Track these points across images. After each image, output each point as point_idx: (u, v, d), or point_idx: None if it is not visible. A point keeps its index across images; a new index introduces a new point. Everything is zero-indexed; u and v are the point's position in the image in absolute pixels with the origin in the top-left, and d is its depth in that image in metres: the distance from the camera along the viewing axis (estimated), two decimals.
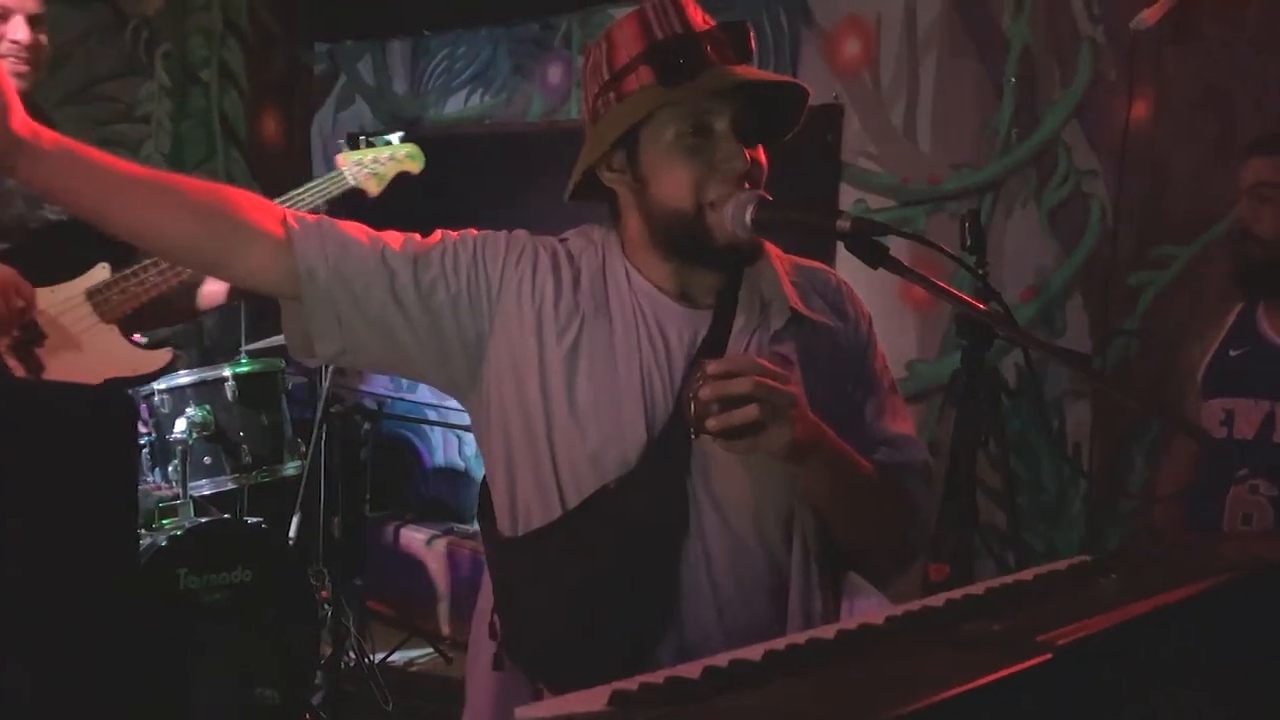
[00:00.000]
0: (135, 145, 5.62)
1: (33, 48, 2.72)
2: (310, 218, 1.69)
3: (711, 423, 1.47)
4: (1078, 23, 3.92)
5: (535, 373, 1.66)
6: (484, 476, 1.79)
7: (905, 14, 4.27)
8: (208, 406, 3.78)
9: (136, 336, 2.95)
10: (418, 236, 1.73)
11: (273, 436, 3.95)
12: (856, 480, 1.67)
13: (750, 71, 1.66)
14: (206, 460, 3.81)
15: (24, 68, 2.71)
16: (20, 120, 1.54)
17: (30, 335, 2.66)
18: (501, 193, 4.31)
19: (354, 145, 3.32)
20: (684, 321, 1.70)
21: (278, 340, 4.48)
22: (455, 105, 5.68)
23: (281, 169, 6.11)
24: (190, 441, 3.68)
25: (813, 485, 1.65)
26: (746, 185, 1.65)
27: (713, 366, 1.48)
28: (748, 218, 1.61)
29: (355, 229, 1.70)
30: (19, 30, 2.69)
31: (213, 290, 3.05)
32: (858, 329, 1.87)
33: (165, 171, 1.71)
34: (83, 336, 2.73)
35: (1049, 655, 0.97)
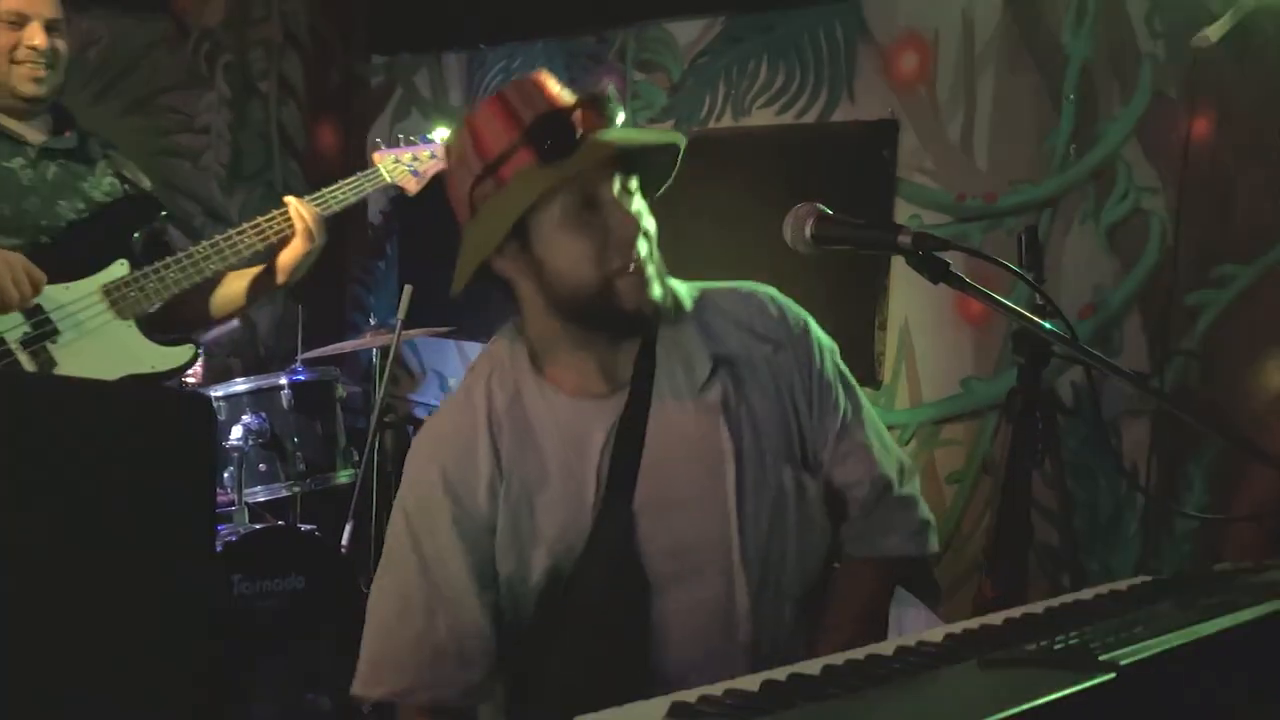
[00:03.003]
0: (195, 156, 5.69)
1: (50, 53, 2.73)
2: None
3: None
4: (1138, 39, 3.88)
5: (492, 527, 1.71)
6: None
7: (963, 28, 4.24)
8: (263, 414, 3.81)
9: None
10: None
11: (327, 444, 3.98)
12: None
13: (627, 135, 1.67)
14: (261, 467, 3.85)
15: (42, 72, 2.73)
16: None
17: (42, 330, 2.67)
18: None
19: (395, 144, 3.32)
20: (608, 413, 1.72)
21: (333, 349, 4.52)
22: None
23: (338, 180, 6.15)
24: (246, 448, 3.71)
25: None
26: (640, 249, 1.65)
27: None
28: (808, 233, 1.61)
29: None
30: (35, 36, 2.71)
31: (228, 295, 3.03)
32: (788, 342, 1.82)
33: None
34: (97, 332, 2.73)
35: (1113, 674, 0.96)
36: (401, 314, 4.02)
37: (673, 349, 1.75)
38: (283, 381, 3.92)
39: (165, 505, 1.10)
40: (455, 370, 5.67)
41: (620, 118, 1.67)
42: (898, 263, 4.06)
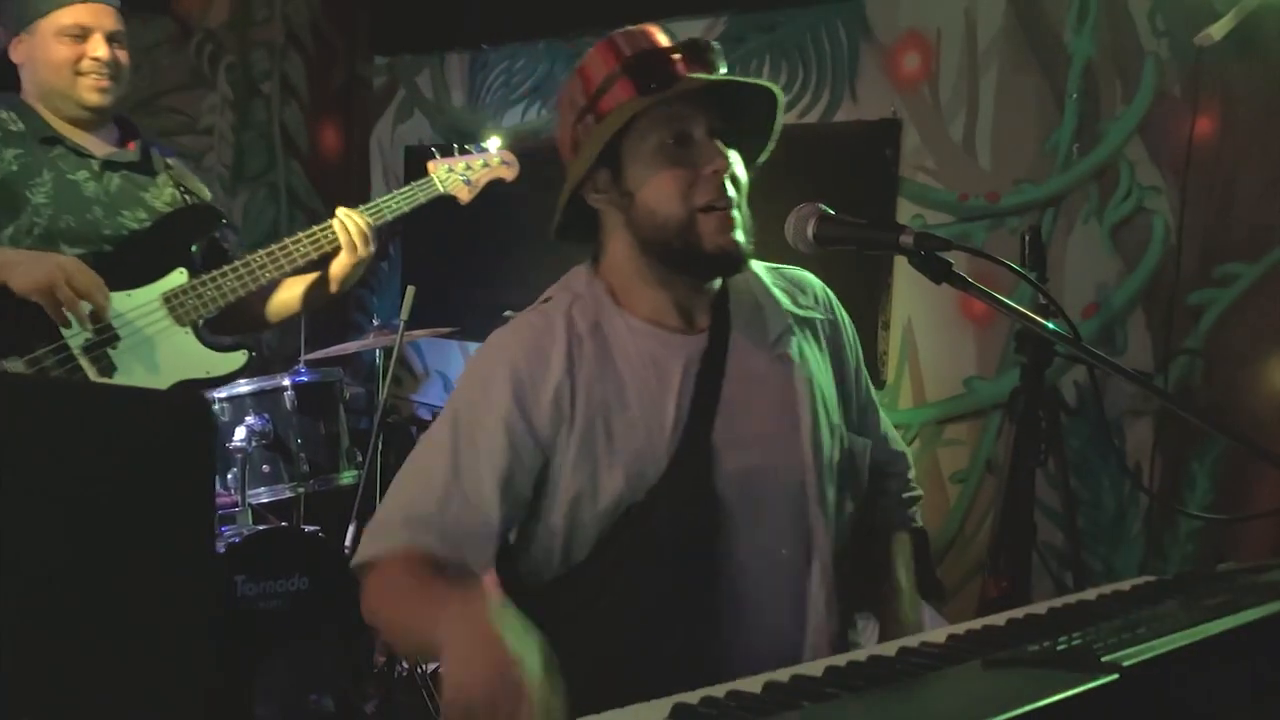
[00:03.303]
0: (198, 157, 5.69)
1: (112, 64, 2.79)
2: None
3: None
4: (1141, 37, 3.87)
5: (566, 446, 1.70)
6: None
7: (966, 28, 4.24)
8: (267, 415, 3.81)
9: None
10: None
11: (330, 445, 3.98)
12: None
13: (723, 75, 1.70)
14: (265, 468, 3.84)
15: (106, 83, 2.79)
16: None
17: (104, 336, 2.72)
18: (556, 207, 4.30)
19: (446, 152, 3.33)
20: (687, 347, 1.75)
21: (336, 350, 4.52)
22: (513, 118, 5.70)
23: (341, 181, 6.16)
24: (249, 449, 3.71)
25: None
26: (728, 189, 1.68)
27: None
28: (810, 232, 1.61)
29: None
30: (98, 48, 2.76)
31: (284, 301, 3.09)
32: (845, 328, 1.94)
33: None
34: (156, 339, 2.78)
35: (1116, 675, 0.96)
36: (405, 315, 4.02)
37: (749, 301, 1.81)
38: (286, 382, 3.91)
39: (164, 508, 1.10)
40: (458, 371, 5.67)
41: (723, 69, 1.72)
42: (901, 262, 4.06)
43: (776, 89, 1.74)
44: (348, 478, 4.02)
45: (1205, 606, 1.23)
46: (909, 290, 4.23)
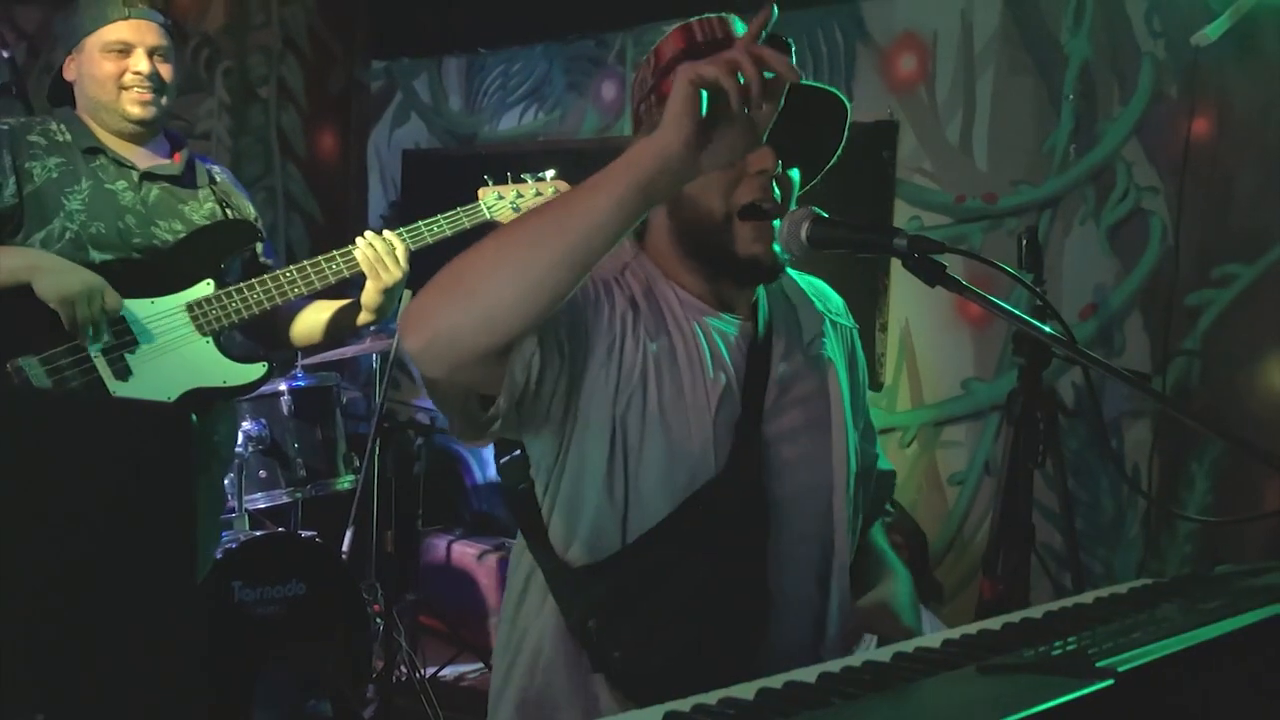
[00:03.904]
0: None
1: (154, 77, 2.85)
2: None
3: None
4: (1138, 38, 3.87)
5: (610, 400, 1.65)
6: (532, 505, 1.75)
7: (962, 29, 4.24)
8: (263, 420, 3.81)
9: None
10: None
11: (327, 451, 3.98)
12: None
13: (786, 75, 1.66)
14: (261, 474, 3.84)
15: (149, 96, 2.84)
16: None
17: (122, 340, 2.76)
18: None
19: (500, 180, 3.26)
20: (733, 331, 1.74)
21: (334, 354, 4.52)
22: (510, 122, 5.71)
23: (338, 185, 6.17)
24: (246, 455, 3.71)
25: None
26: (775, 192, 1.66)
27: None
28: (803, 234, 1.60)
29: None
30: (141, 62, 2.83)
31: (310, 323, 3.05)
32: (856, 340, 1.95)
33: None
34: (174, 346, 2.81)
35: (1111, 680, 0.95)
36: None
37: (784, 300, 1.82)
38: (283, 388, 3.91)
39: (144, 521, 1.09)
40: None
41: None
42: (897, 265, 4.06)
43: (844, 98, 1.72)
44: (345, 483, 4.02)
45: (1202, 610, 1.23)
46: (906, 292, 4.22)
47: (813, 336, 1.80)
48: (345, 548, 4.02)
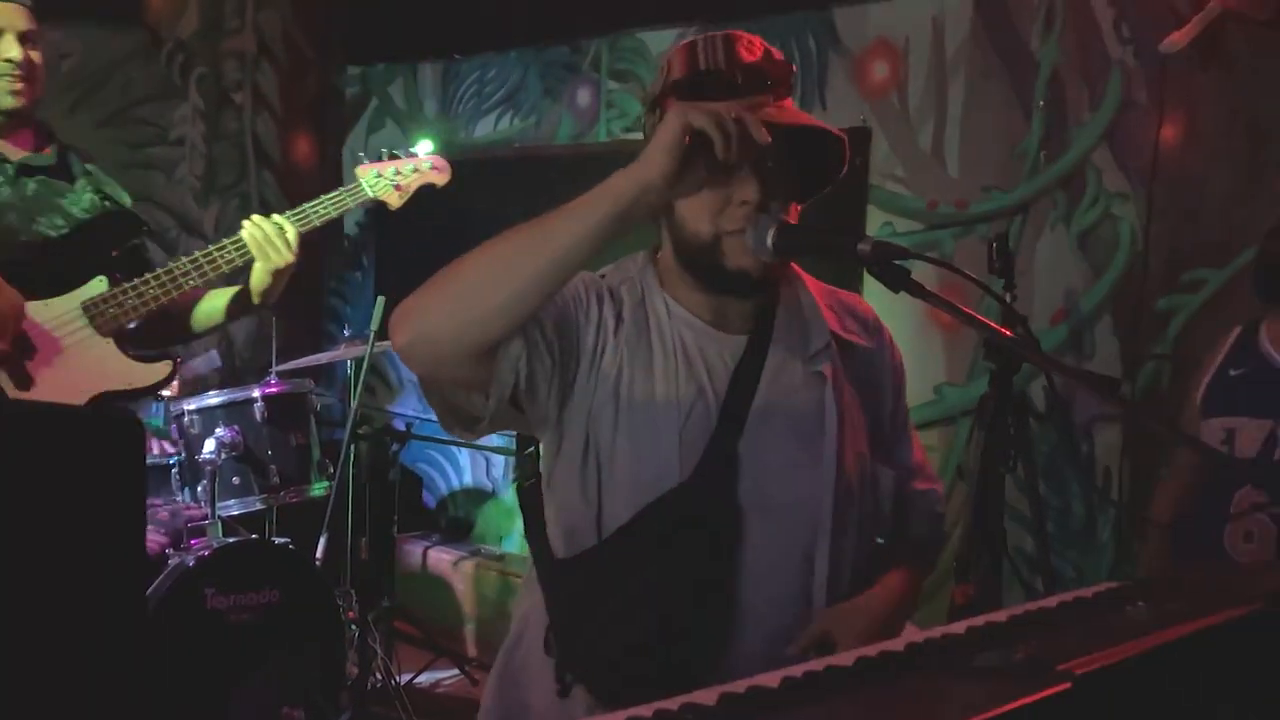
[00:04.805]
0: (170, 168, 5.67)
1: (25, 65, 2.72)
2: None
3: None
4: (1107, 45, 3.90)
5: (588, 404, 1.73)
6: (536, 500, 1.83)
7: (933, 36, 4.26)
8: (237, 427, 3.79)
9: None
10: None
11: (301, 457, 3.96)
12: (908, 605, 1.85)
13: (778, 114, 1.68)
14: (235, 481, 3.82)
15: (19, 85, 2.72)
16: None
17: (20, 348, 2.65)
18: (529, 216, 4.30)
19: (376, 157, 3.28)
20: (723, 345, 1.77)
21: (308, 361, 4.51)
22: (485, 128, 5.71)
23: (313, 191, 6.11)
24: (219, 462, 3.70)
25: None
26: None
27: None
28: (769, 241, 1.62)
29: None
30: (10, 49, 2.70)
31: (209, 310, 3.00)
32: (890, 357, 1.97)
33: None
34: (76, 349, 2.71)
35: (1068, 684, 0.96)
36: (375, 325, 4.01)
37: (793, 314, 1.83)
38: (256, 394, 3.89)
39: (91, 531, 1.08)
40: None
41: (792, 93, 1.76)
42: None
43: (841, 135, 1.74)
44: (319, 489, 4.01)
45: (1164, 612, 1.24)
46: (879, 297, 4.20)
47: (816, 351, 1.81)
48: (320, 554, 4.01)
